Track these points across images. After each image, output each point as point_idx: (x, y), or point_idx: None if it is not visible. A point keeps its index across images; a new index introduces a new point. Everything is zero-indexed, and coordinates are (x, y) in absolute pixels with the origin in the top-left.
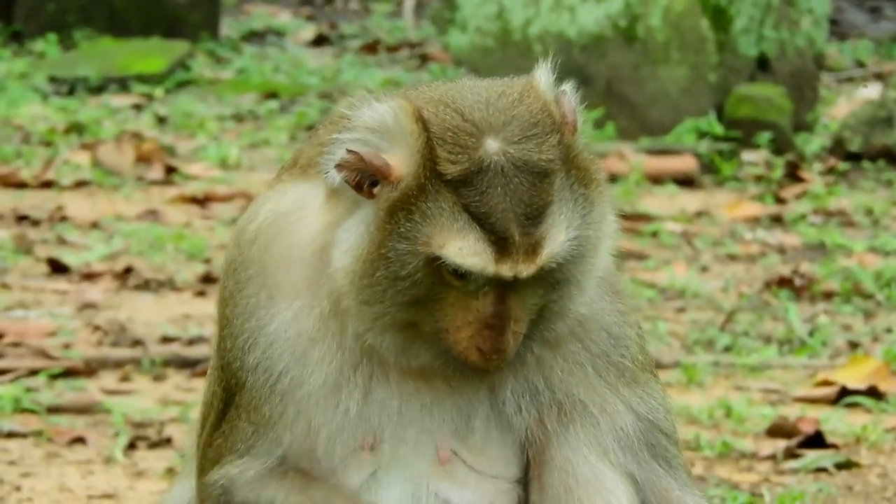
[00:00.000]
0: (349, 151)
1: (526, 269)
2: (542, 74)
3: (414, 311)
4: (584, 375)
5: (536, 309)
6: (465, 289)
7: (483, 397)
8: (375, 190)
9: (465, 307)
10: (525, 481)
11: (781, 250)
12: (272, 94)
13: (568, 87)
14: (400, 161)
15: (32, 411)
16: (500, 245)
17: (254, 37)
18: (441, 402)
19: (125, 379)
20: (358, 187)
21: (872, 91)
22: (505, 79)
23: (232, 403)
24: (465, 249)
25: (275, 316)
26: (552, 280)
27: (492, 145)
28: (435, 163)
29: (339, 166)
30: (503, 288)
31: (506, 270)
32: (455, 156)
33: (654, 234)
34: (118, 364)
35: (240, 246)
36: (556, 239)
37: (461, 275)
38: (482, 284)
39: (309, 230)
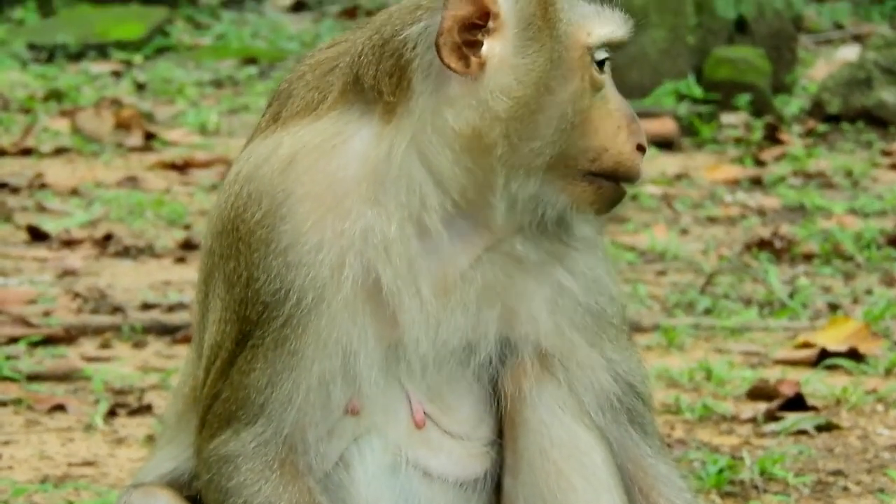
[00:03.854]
0: None
1: (631, 29)
2: None
3: (568, 139)
4: (570, 325)
5: None
6: (602, 91)
7: (493, 321)
8: (485, 50)
9: (607, 112)
10: (500, 444)
11: (761, 212)
12: (251, 60)
13: None
14: None
15: (12, 379)
16: (618, 12)
17: (232, 2)
18: (457, 321)
19: (105, 346)
20: (460, 58)
21: (851, 52)
22: None
23: (248, 342)
24: (606, 21)
25: (341, 231)
26: None
27: None
28: None
29: (444, 30)
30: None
31: (629, 28)
32: None
33: (634, 197)
34: (98, 331)
35: (261, 178)
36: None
37: (601, 61)
38: (606, 82)
39: (359, 149)
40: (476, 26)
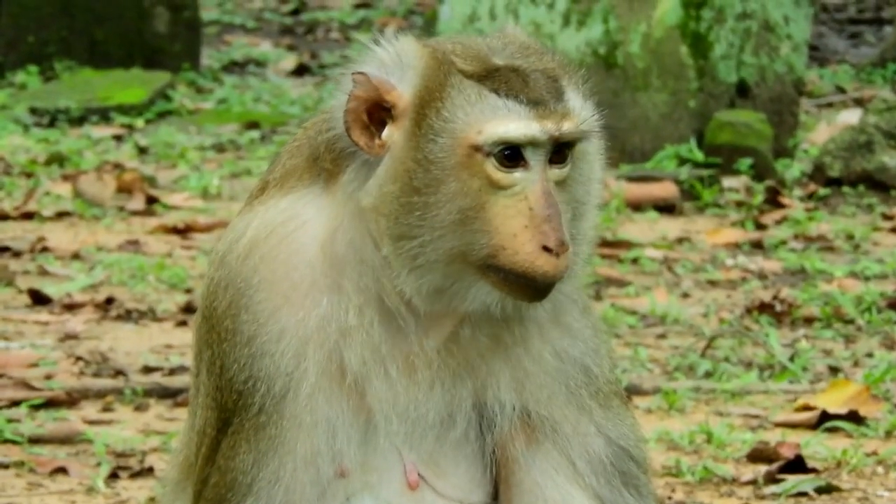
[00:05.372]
0: (356, 74)
1: (566, 125)
2: (516, 28)
3: (461, 234)
4: (565, 388)
5: None
6: (511, 188)
7: (468, 396)
8: (385, 135)
9: (516, 211)
10: None
11: (762, 276)
12: (253, 124)
13: None
14: (408, 83)
15: (14, 442)
16: (535, 107)
17: (234, 67)
18: (432, 399)
19: (107, 409)
20: (368, 138)
21: (852, 116)
22: None
23: (228, 428)
24: (504, 119)
25: (301, 319)
26: (573, 197)
27: (499, 59)
28: (452, 64)
29: (349, 109)
30: (546, 183)
31: (549, 126)
32: (470, 61)
33: (635, 261)
34: (100, 394)
35: (228, 264)
36: (582, 107)
37: (505, 160)
38: (525, 178)
39: (315, 231)
40: (387, 108)
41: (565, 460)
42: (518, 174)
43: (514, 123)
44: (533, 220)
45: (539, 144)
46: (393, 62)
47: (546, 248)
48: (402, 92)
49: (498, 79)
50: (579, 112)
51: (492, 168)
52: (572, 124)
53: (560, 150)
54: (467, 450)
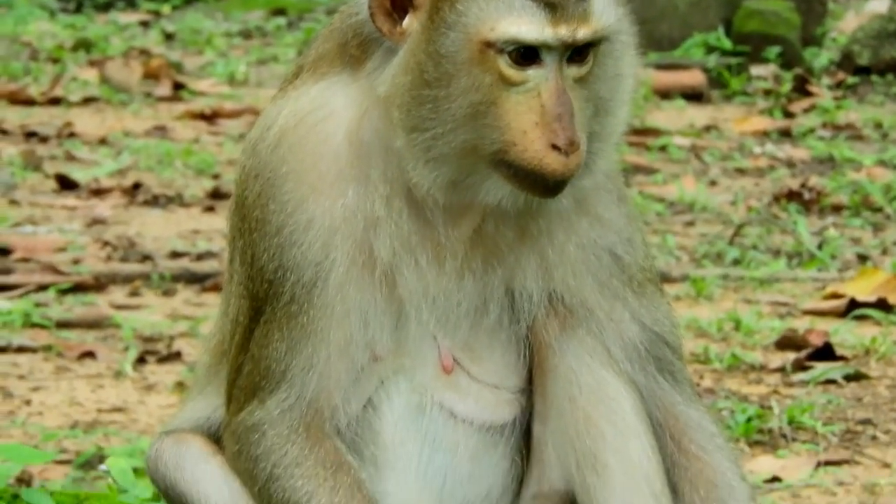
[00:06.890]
0: None
1: (582, 31)
2: None
3: (473, 128)
4: (594, 277)
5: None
6: (524, 84)
7: (499, 284)
8: (405, 23)
9: (527, 108)
10: (529, 391)
11: (790, 164)
12: (280, 11)
13: None
14: None
15: (42, 326)
16: (552, 9)
17: None
18: (463, 288)
19: (134, 294)
20: (391, 24)
21: (881, 5)
22: None
23: (261, 317)
24: (518, 19)
25: (328, 209)
26: (595, 94)
27: None
28: None
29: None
30: (561, 81)
31: (563, 31)
32: None
33: (663, 149)
34: (127, 279)
35: (259, 154)
36: (606, 9)
37: (519, 57)
38: (539, 76)
39: (342, 120)
40: None
41: (600, 346)
42: (531, 71)
43: (527, 26)
44: (544, 118)
45: (553, 47)
46: None
47: (555, 147)
48: None
49: None
50: (601, 15)
51: (504, 65)
52: (589, 29)
53: (581, 50)
54: (501, 336)
